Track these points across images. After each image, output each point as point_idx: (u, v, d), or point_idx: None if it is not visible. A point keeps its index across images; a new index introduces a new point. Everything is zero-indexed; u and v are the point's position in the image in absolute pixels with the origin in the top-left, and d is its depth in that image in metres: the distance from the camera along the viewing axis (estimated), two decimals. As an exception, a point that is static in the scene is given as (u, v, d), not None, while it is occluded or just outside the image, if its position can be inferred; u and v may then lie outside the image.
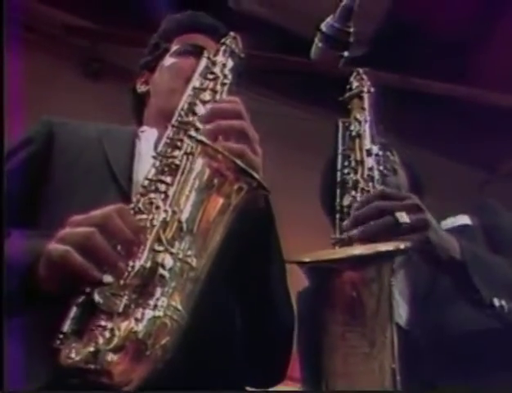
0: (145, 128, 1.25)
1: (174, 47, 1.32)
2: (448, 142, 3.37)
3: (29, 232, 0.87)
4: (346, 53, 1.18)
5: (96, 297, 0.72)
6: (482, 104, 3.14)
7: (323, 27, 1.19)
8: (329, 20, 1.19)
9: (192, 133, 0.87)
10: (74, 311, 0.72)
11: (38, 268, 0.76)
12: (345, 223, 1.05)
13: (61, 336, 0.71)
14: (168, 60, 1.31)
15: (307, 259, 0.93)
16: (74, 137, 1.12)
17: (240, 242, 0.87)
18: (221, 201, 0.80)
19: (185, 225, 0.78)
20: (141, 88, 1.36)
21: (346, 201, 1.11)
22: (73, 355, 0.69)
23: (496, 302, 1.00)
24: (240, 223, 0.84)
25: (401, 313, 1.14)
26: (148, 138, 1.17)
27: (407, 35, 2.99)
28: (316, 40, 1.20)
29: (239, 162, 0.80)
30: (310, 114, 3.18)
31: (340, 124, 1.25)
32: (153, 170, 0.90)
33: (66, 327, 0.71)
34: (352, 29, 1.17)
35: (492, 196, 3.21)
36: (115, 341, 0.70)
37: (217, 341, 0.94)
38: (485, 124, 3.11)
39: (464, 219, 1.28)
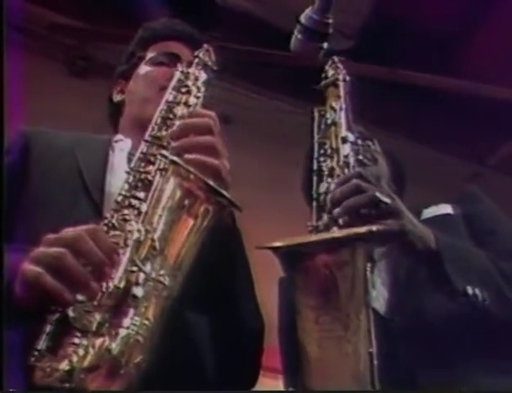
0: (119, 137, 1.25)
1: (149, 56, 1.32)
2: (436, 134, 3.38)
3: (7, 247, 0.86)
4: (325, 45, 1.18)
5: (71, 315, 0.74)
6: (469, 96, 3.14)
7: (302, 19, 1.18)
8: (308, 11, 1.18)
9: (165, 152, 0.88)
10: (48, 328, 0.74)
11: (14, 285, 0.77)
12: (327, 198, 1.05)
13: (36, 353, 0.72)
14: (143, 69, 1.31)
15: (278, 245, 0.93)
16: (49, 147, 1.13)
17: (210, 258, 0.88)
18: (192, 220, 0.82)
19: (157, 244, 0.79)
20: (116, 97, 1.36)
21: (322, 189, 1.11)
22: (47, 373, 0.70)
23: (470, 290, 1.01)
24: (209, 240, 0.85)
25: (382, 301, 1.15)
26: (122, 148, 1.17)
27: (394, 28, 3.00)
28: (296, 32, 1.20)
29: (210, 182, 0.81)
30: (295, 107, 3.17)
31: (316, 113, 1.25)
32: (126, 186, 0.90)
33: (41, 344, 0.72)
34: (331, 21, 1.16)
35: (480, 187, 3.22)
36: (90, 359, 0.71)
37: (188, 354, 0.97)
38: (473, 115, 3.12)
39: (446, 208, 1.28)
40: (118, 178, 0.95)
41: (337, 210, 0.99)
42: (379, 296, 1.15)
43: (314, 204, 1.10)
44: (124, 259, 0.78)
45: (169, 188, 0.82)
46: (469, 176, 3.48)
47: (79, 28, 3.17)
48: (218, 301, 1.00)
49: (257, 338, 1.08)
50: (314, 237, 0.99)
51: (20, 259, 0.77)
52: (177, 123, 0.98)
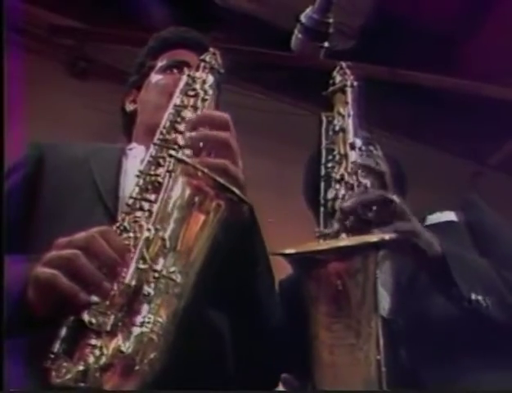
0: (133, 145, 1.27)
1: (159, 64, 1.35)
2: (438, 134, 3.38)
3: (20, 257, 0.88)
4: (326, 44, 1.18)
5: (86, 317, 0.74)
6: (471, 96, 3.14)
7: (302, 18, 1.19)
8: (308, 11, 1.18)
9: (173, 152, 0.90)
10: (64, 331, 0.74)
11: (27, 292, 0.78)
12: (335, 217, 1.05)
13: (52, 356, 0.73)
14: (154, 77, 1.33)
15: (291, 251, 0.93)
16: (63, 159, 1.14)
17: (226, 254, 0.90)
18: (203, 217, 0.83)
19: (168, 242, 0.80)
20: (129, 107, 1.39)
21: (330, 195, 1.11)
22: (63, 374, 0.71)
23: (473, 297, 1.01)
24: (224, 235, 0.86)
25: (384, 303, 1.15)
26: (135, 155, 1.19)
27: (396, 28, 2.99)
28: (296, 31, 1.20)
29: (218, 178, 0.82)
30: (298, 108, 3.17)
31: (324, 119, 1.25)
32: (137, 189, 0.92)
33: (57, 347, 0.73)
34: (331, 20, 1.16)
35: (482, 187, 3.22)
36: (104, 359, 0.72)
37: (205, 352, 0.97)
38: (474, 115, 3.11)
39: (450, 216, 1.29)
40: (131, 185, 0.95)
41: (346, 204, 1.00)
42: (382, 299, 1.15)
43: (321, 209, 1.11)
44: (135, 257, 0.79)
45: (178, 187, 0.84)
46: (470, 175, 3.48)
47: (80, 29, 3.17)
48: (239, 297, 1.01)
49: (278, 334, 1.08)
50: (327, 245, 0.99)
51: (31, 266, 0.79)
52: (194, 115, 1.00)
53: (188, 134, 0.93)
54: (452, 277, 1.02)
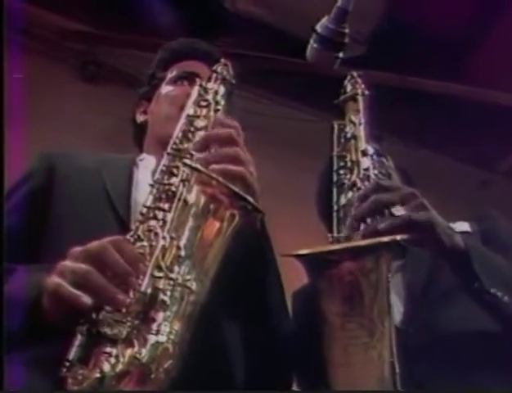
0: (143, 156, 1.28)
1: (169, 75, 1.36)
2: (447, 141, 3.37)
3: (33, 267, 0.89)
4: (341, 54, 1.18)
5: (101, 324, 0.75)
6: (480, 102, 3.13)
7: (318, 28, 1.19)
8: (324, 21, 1.19)
9: (187, 160, 0.90)
10: (79, 339, 0.75)
11: (42, 300, 0.79)
12: (347, 223, 1.06)
13: (67, 364, 0.73)
14: (164, 89, 1.34)
15: (305, 252, 0.94)
16: (74, 169, 1.15)
17: (238, 262, 0.90)
18: (217, 225, 0.84)
19: (183, 251, 0.81)
20: (140, 118, 1.40)
21: (343, 201, 1.12)
22: (79, 381, 0.72)
23: (493, 291, 1.01)
24: (236, 244, 0.86)
25: (397, 313, 1.15)
26: (146, 166, 1.20)
27: (405, 35, 2.99)
28: (312, 41, 1.20)
29: (233, 187, 0.83)
30: (307, 115, 3.17)
31: (335, 126, 1.26)
32: (151, 198, 0.92)
33: (72, 354, 0.74)
34: (347, 30, 1.17)
35: (491, 194, 3.21)
36: (120, 366, 0.73)
37: (218, 358, 0.98)
38: (483, 122, 3.10)
39: (463, 226, 1.28)
40: (143, 195, 0.96)
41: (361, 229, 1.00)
42: (394, 309, 1.15)
43: (334, 215, 1.11)
44: (150, 265, 0.79)
45: (193, 195, 0.84)
46: (480, 183, 3.46)
47: (90, 33, 3.18)
48: (250, 304, 1.02)
49: (289, 345, 1.08)
50: (339, 245, 1.00)
51: (45, 274, 0.79)
52: (200, 134, 1.00)
53: (196, 156, 0.94)
54: (474, 269, 1.01)
